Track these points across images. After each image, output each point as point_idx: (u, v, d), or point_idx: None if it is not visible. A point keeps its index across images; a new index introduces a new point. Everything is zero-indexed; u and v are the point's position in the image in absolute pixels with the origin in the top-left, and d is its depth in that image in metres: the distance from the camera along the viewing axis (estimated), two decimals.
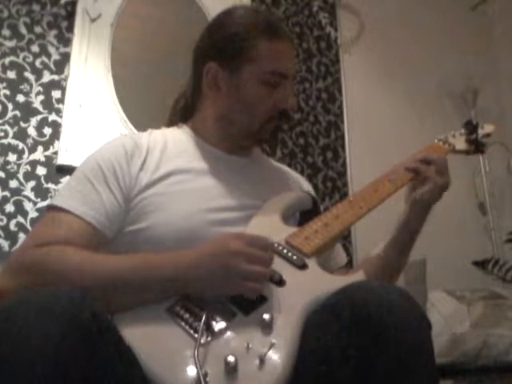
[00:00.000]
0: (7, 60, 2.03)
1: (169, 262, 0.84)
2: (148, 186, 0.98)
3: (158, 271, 0.83)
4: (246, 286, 0.81)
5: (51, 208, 0.95)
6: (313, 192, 1.26)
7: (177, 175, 1.02)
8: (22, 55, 2.06)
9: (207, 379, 0.69)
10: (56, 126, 2.04)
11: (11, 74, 2.02)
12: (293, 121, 2.44)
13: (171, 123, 1.18)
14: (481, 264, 2.24)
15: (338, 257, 1.18)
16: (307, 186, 1.26)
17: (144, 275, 0.83)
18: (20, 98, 2.01)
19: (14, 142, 1.96)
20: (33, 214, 1.90)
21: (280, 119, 1.09)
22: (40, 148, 2.00)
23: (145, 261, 0.85)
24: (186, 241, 0.91)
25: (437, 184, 1.06)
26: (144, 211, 0.96)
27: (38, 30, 2.11)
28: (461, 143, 1.27)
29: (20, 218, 1.89)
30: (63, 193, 0.98)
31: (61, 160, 1.98)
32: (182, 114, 1.18)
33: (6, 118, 1.97)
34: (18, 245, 1.85)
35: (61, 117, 2.04)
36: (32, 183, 1.95)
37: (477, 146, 1.27)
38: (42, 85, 2.06)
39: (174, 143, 1.08)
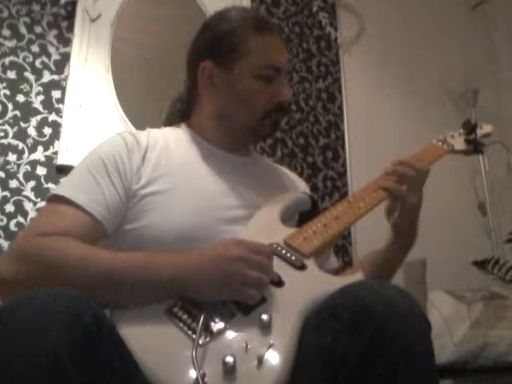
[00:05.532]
0: (7, 60, 2.03)
1: (168, 263, 0.84)
2: (148, 184, 0.98)
3: (157, 271, 0.83)
4: (245, 291, 0.80)
5: (53, 198, 0.96)
6: (309, 193, 1.26)
7: (177, 173, 1.02)
8: (22, 55, 2.06)
9: (205, 380, 0.69)
10: (56, 126, 2.04)
11: (11, 74, 2.02)
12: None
13: (169, 124, 1.18)
14: (481, 264, 2.23)
15: (329, 261, 1.18)
16: (304, 187, 1.26)
17: (143, 274, 0.83)
18: (20, 98, 2.01)
19: (14, 141, 1.96)
20: (33, 214, 1.90)
21: (278, 112, 1.10)
22: (40, 148, 2.00)
23: (145, 260, 0.85)
24: (187, 239, 0.92)
25: (406, 204, 1.05)
26: (144, 209, 0.96)
27: (38, 29, 2.11)
28: (460, 143, 1.27)
29: (20, 218, 1.89)
30: (65, 184, 0.99)
31: (61, 160, 1.98)
32: (180, 115, 1.18)
33: (6, 118, 1.97)
34: None
35: (61, 117, 2.04)
36: (32, 183, 1.95)
37: (476, 146, 1.27)
38: (42, 85, 2.06)
39: (174, 141, 1.09)
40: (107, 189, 0.95)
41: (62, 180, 1.03)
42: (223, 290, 0.81)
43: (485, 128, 1.29)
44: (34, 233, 0.90)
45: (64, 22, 2.16)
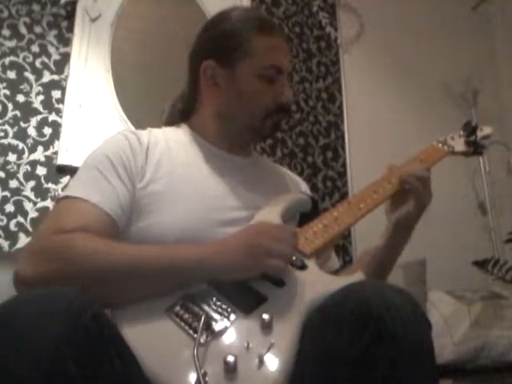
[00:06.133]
0: (7, 60, 2.03)
1: (193, 247, 0.86)
2: (150, 182, 0.98)
3: (184, 254, 0.85)
4: (271, 263, 0.83)
5: (64, 199, 0.94)
6: (310, 193, 1.26)
7: (178, 174, 1.02)
8: (22, 55, 2.06)
9: (206, 379, 0.69)
10: (56, 126, 2.04)
11: (11, 74, 2.02)
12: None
13: (170, 124, 1.18)
14: (481, 264, 2.23)
15: (330, 261, 1.18)
16: (305, 188, 1.26)
17: (170, 259, 0.84)
18: (20, 98, 2.02)
19: (14, 141, 1.96)
20: (33, 214, 1.90)
21: (279, 113, 1.10)
22: (40, 148, 2.00)
23: (169, 248, 0.87)
24: (188, 240, 0.91)
25: (421, 201, 1.06)
26: (146, 210, 0.96)
27: (37, 29, 2.11)
28: (460, 145, 1.27)
29: (20, 218, 1.89)
30: (75, 185, 0.97)
31: (61, 160, 1.98)
32: (181, 115, 1.18)
33: (6, 118, 1.97)
34: (18, 245, 1.85)
35: (61, 117, 2.04)
36: (32, 183, 1.95)
37: (476, 148, 1.28)
38: (42, 85, 2.06)
39: (175, 142, 1.09)
40: (118, 187, 0.95)
41: (70, 182, 1.00)
42: (249, 263, 0.83)
43: (485, 130, 1.29)
44: (54, 230, 0.88)
45: (64, 22, 2.16)
